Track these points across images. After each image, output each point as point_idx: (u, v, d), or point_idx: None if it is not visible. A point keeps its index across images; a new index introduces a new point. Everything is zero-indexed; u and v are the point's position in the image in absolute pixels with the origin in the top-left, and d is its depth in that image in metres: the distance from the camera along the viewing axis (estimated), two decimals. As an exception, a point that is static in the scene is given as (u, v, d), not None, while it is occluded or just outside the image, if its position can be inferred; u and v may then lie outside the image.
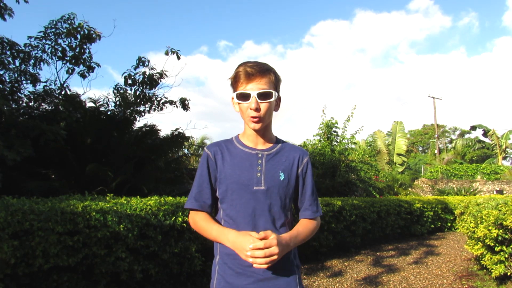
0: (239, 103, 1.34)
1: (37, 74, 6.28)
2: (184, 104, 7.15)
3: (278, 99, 1.40)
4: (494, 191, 18.74)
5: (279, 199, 1.34)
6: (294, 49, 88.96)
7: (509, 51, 76.59)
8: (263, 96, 1.30)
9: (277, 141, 1.45)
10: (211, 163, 1.39)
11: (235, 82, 1.34)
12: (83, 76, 6.62)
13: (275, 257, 1.17)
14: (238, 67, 1.33)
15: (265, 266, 1.17)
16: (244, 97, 1.31)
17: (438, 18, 79.65)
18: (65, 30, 6.27)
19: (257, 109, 1.30)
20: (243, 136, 1.42)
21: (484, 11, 79.34)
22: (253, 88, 1.29)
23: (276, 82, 1.35)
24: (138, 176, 5.88)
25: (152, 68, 6.86)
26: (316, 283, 4.41)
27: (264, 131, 1.39)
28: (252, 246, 1.16)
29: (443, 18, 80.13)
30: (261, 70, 1.30)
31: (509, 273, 3.96)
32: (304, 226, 1.39)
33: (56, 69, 6.53)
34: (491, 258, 4.15)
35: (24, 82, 6.15)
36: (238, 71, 1.32)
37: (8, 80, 5.93)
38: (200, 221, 1.37)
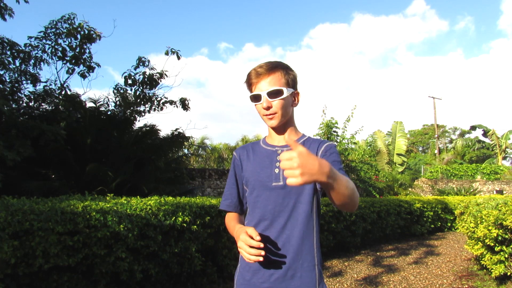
0: (255, 105, 1.34)
1: (37, 74, 6.27)
2: (184, 104, 7.15)
3: (296, 94, 1.38)
4: (494, 191, 18.74)
5: (298, 194, 1.30)
6: (293, 51, 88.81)
7: (506, 52, 76.77)
8: (273, 94, 1.28)
9: (302, 137, 1.42)
10: (237, 165, 1.44)
11: (248, 85, 1.35)
12: (83, 76, 6.61)
13: (296, 163, 0.87)
14: (250, 70, 1.34)
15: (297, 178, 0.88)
16: (256, 98, 1.31)
17: (435, 22, 79.95)
18: (65, 30, 6.27)
19: (269, 108, 1.29)
20: (268, 137, 1.44)
21: (479, 16, 79.63)
22: (263, 87, 1.29)
23: (288, 78, 1.33)
24: (138, 176, 5.88)
25: (152, 68, 6.86)
26: (316, 283, 4.41)
27: (285, 128, 1.38)
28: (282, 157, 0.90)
29: (440, 22, 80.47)
30: (268, 68, 1.30)
31: (509, 273, 3.96)
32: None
33: (56, 69, 6.53)
34: (491, 258, 4.15)
35: (24, 82, 6.14)
36: (249, 73, 1.33)
37: (8, 80, 5.92)
38: (227, 221, 1.45)
